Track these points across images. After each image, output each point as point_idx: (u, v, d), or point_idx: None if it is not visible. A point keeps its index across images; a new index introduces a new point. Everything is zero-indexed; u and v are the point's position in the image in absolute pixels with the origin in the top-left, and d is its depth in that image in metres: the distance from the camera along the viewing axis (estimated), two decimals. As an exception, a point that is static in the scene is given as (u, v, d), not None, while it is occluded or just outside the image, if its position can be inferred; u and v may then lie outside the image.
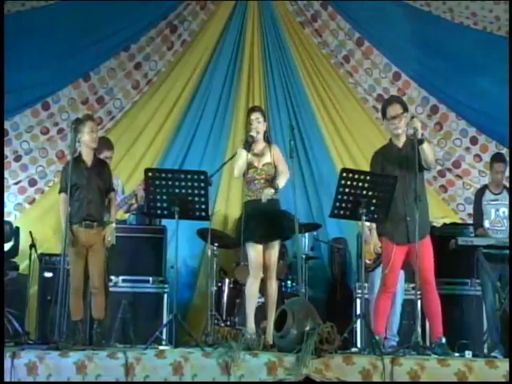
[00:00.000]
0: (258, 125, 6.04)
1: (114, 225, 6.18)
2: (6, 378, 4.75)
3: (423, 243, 5.59)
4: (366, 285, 6.76)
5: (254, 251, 5.89)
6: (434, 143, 8.22)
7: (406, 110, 5.80)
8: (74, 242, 5.85)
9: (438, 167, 8.22)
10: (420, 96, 8.34)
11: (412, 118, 5.77)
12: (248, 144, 5.97)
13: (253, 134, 5.98)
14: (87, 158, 6.08)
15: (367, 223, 6.58)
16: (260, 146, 6.11)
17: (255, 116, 6.08)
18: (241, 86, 8.57)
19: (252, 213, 5.88)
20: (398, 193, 5.60)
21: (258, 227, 5.81)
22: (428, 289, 5.67)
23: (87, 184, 5.98)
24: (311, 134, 8.49)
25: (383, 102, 6.30)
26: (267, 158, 6.06)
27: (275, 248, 6.01)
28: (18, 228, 7.47)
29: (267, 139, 6.19)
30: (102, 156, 6.51)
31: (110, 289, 6.57)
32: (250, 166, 5.99)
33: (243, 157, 5.95)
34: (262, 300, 6.12)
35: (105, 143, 6.78)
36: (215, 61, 8.62)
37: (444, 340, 5.60)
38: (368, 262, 6.69)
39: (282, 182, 5.97)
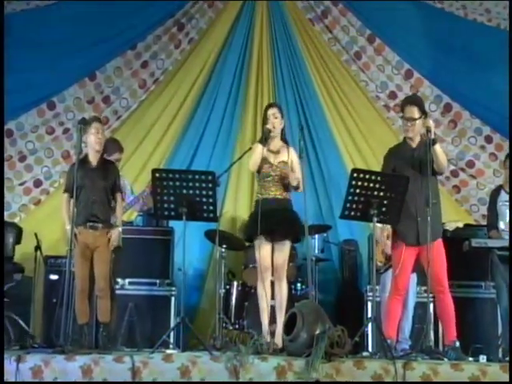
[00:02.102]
0: (275, 120, 6.06)
1: (120, 228, 6.17)
2: (12, 382, 4.76)
3: (435, 246, 5.58)
4: (377, 287, 6.75)
5: (262, 252, 5.89)
6: (447, 141, 8.20)
7: (423, 113, 5.78)
8: (78, 243, 5.86)
9: (451, 167, 8.18)
10: (433, 94, 8.31)
11: (425, 116, 5.76)
12: (264, 138, 5.97)
13: (269, 126, 5.99)
14: (93, 158, 6.09)
15: (379, 224, 6.58)
16: (277, 143, 6.11)
17: (272, 111, 6.10)
18: (249, 84, 8.56)
19: (263, 211, 5.86)
20: (409, 194, 5.60)
21: (269, 225, 5.80)
22: (441, 292, 5.65)
23: (91, 185, 5.99)
24: (321, 134, 8.47)
25: (404, 99, 6.30)
26: (283, 157, 6.06)
27: (285, 249, 6.00)
28: (20, 229, 7.46)
29: (284, 139, 6.20)
30: (112, 158, 6.52)
31: (117, 291, 6.59)
32: (264, 161, 5.99)
33: (259, 150, 5.96)
34: (272, 303, 6.10)
35: (116, 145, 6.80)
36: (223, 59, 8.62)
37: (458, 344, 5.59)
38: (379, 264, 6.67)
39: (299, 182, 5.98)
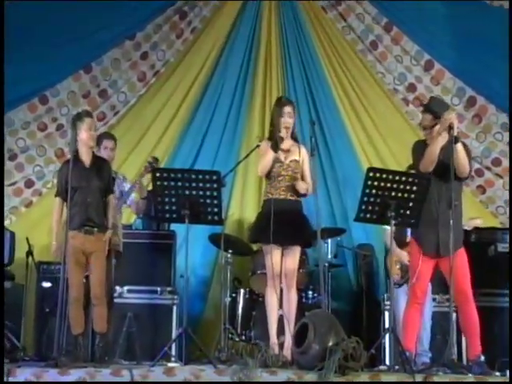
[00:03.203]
0: (290, 120, 6.05)
1: (110, 231, 6.16)
2: (0, 398, 4.76)
3: (457, 253, 5.54)
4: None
5: (272, 257, 5.89)
6: (472, 137, 8.16)
7: (438, 117, 5.74)
8: (72, 249, 5.85)
9: (476, 165, 8.14)
10: (455, 86, 8.27)
11: (449, 114, 5.71)
12: (276, 144, 5.96)
13: (282, 134, 5.98)
14: (85, 156, 6.07)
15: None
16: (287, 141, 6.10)
17: (288, 110, 6.07)
18: (257, 77, 8.57)
19: (273, 212, 5.85)
20: (430, 197, 5.57)
21: (279, 228, 5.78)
22: (464, 301, 5.62)
23: (86, 185, 5.98)
24: (334, 130, 8.46)
25: (422, 105, 6.27)
26: (295, 156, 6.06)
27: (295, 254, 6.00)
28: (13, 233, 7.48)
29: (295, 137, 6.19)
30: (101, 147, 6.57)
31: (115, 300, 6.60)
32: (275, 160, 5.99)
33: (270, 156, 5.95)
34: (280, 312, 6.09)
35: (105, 134, 6.89)
36: (229, 50, 8.63)
37: (483, 358, 5.55)
38: (395, 276, 6.61)
39: (308, 189, 5.98)
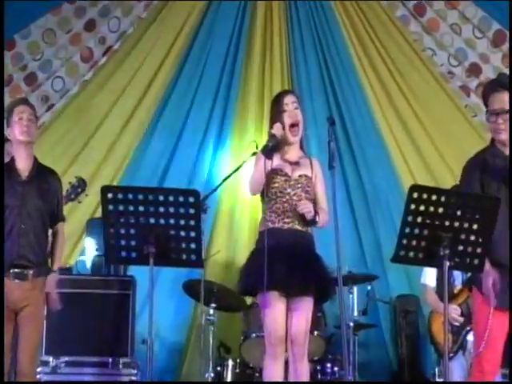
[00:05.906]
0: (296, 111, 6.00)
1: (54, 275, 6.13)
2: None
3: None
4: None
5: (274, 314, 5.84)
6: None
7: None
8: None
9: None
10: (538, 69, 8.34)
11: None
12: (274, 142, 5.90)
13: (276, 131, 5.90)
14: (23, 164, 6.04)
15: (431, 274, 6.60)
16: (294, 151, 6.06)
17: (290, 99, 6.03)
18: (252, 57, 8.65)
19: (273, 248, 5.81)
20: (499, 225, 5.53)
21: (282, 270, 5.73)
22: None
23: (21, 206, 5.94)
24: (362, 131, 8.53)
25: (485, 84, 6.27)
26: (306, 170, 6.01)
27: (306, 309, 5.94)
28: None
29: (302, 146, 6.16)
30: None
31: (48, 376, 6.56)
32: (277, 173, 5.94)
33: (260, 166, 5.88)
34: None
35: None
36: (211, 19, 8.67)
37: None
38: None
39: (322, 218, 5.94)
